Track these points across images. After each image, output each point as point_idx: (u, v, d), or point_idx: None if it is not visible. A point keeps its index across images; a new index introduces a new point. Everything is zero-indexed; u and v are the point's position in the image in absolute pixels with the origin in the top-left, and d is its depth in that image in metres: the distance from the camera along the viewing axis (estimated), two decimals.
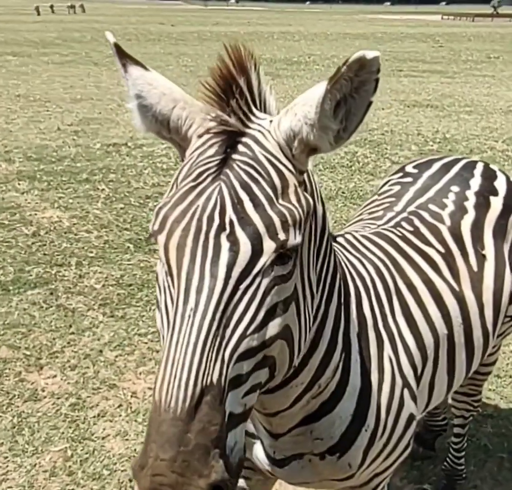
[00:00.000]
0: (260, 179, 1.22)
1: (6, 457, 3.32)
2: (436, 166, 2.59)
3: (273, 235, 1.17)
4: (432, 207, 2.37)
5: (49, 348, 4.27)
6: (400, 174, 2.66)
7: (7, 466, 3.27)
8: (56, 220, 6.60)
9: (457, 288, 2.16)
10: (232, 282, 1.16)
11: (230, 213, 1.17)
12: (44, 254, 5.77)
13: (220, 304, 1.14)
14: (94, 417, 3.64)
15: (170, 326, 1.14)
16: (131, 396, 3.82)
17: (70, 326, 4.54)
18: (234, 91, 1.26)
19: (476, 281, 2.22)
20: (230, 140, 1.26)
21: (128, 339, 4.40)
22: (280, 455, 1.83)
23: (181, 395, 1.07)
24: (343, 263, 1.76)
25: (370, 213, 2.48)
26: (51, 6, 62.13)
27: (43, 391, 3.84)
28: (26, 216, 6.70)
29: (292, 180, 1.26)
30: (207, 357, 1.10)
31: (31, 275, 5.32)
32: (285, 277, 1.22)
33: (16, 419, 3.59)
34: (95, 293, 5.05)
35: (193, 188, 1.22)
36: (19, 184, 7.77)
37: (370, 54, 1.15)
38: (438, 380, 2.10)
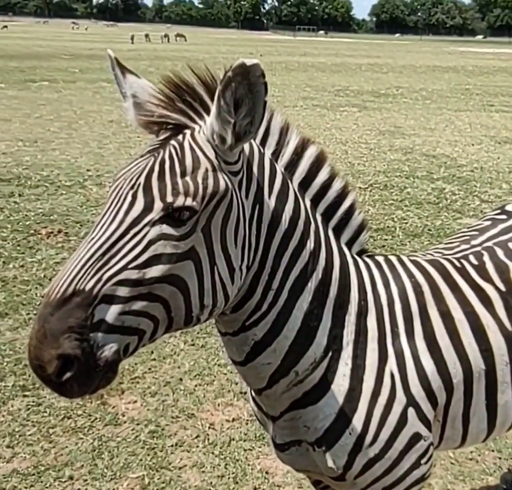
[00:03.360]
0: (175, 159, 1.59)
1: (86, 480, 3.38)
2: None
3: (162, 198, 1.53)
4: (511, 245, 2.31)
5: (130, 373, 4.35)
6: (498, 211, 2.64)
7: (86, 489, 3.32)
8: None
9: (510, 328, 2.11)
10: (124, 225, 1.52)
11: (141, 178, 1.57)
12: None
13: (110, 238, 1.51)
14: (171, 446, 3.67)
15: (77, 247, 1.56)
16: (209, 427, 3.82)
17: (152, 352, 4.61)
18: (186, 97, 1.67)
19: None
20: (177, 130, 1.66)
21: (208, 369, 4.42)
22: (281, 440, 2.03)
23: (57, 290, 1.46)
24: (353, 275, 1.94)
25: (446, 243, 2.50)
26: (146, 35, 64.60)
27: (124, 415, 3.90)
28: None
29: (205, 164, 1.60)
30: (86, 272, 1.47)
31: None
32: (175, 237, 1.53)
33: (97, 442, 3.66)
34: None
35: (137, 159, 1.66)
36: None
37: (249, 62, 1.48)
38: (474, 415, 2.09)
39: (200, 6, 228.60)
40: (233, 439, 3.75)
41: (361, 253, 2.06)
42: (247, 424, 3.88)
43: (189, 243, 1.56)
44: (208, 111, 1.65)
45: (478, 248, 2.31)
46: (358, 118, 16.43)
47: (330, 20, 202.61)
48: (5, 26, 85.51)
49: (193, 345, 4.75)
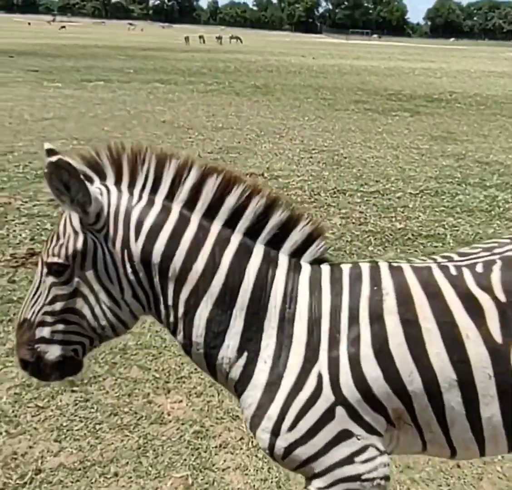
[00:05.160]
0: (56, 229, 2.18)
1: (130, 478, 3.42)
2: None
3: (44, 258, 2.15)
4: None
5: (177, 372, 4.38)
6: None
7: (130, 486, 3.36)
8: None
9: (499, 341, 2.05)
10: (39, 276, 2.18)
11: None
12: None
13: (34, 287, 2.19)
14: (216, 447, 3.68)
15: None
16: None
17: None
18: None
19: None
20: None
21: None
22: None
23: (18, 317, 2.24)
24: (279, 285, 2.15)
25: (471, 248, 2.42)
26: (201, 37, 65.19)
27: (169, 415, 3.93)
28: None
29: (69, 231, 2.13)
30: (28, 306, 2.19)
31: None
32: (60, 283, 2.14)
33: (142, 440, 3.70)
34: None
35: None
36: None
37: (54, 159, 2.00)
38: (453, 423, 2.11)
39: (254, 8, 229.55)
40: None
41: (319, 261, 2.23)
42: None
43: (72, 286, 2.15)
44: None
45: (496, 256, 2.22)
46: (410, 122, 16.23)
47: (384, 24, 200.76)
48: (63, 27, 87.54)
49: None
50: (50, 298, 2.16)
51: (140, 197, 2.16)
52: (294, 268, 2.18)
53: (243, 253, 2.16)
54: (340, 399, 2.06)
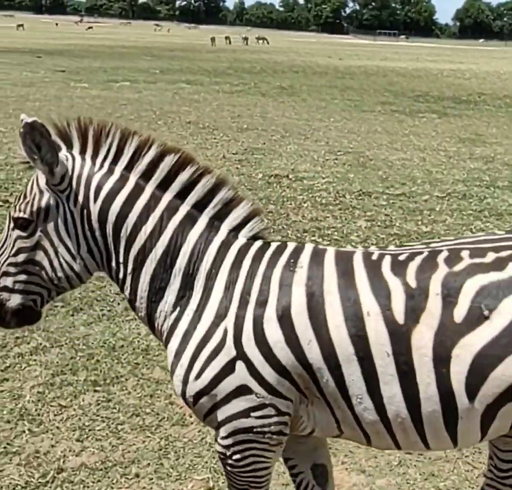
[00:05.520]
0: (25, 188, 2.48)
1: (151, 479, 3.41)
2: None
3: (12, 213, 2.43)
4: (464, 253, 2.27)
5: None
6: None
7: (151, 488, 3.36)
8: None
9: (400, 322, 2.16)
10: (6, 230, 2.45)
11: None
12: None
13: (1, 241, 2.45)
14: None
15: None
16: None
17: None
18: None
19: (453, 332, 2.14)
20: None
21: None
22: None
23: None
24: (211, 252, 2.41)
25: (420, 243, 2.55)
26: (227, 37, 65.34)
27: (191, 416, 3.91)
28: None
29: (35, 190, 2.44)
30: None
31: None
32: (24, 237, 2.42)
33: (164, 441, 3.70)
34: None
35: None
36: None
37: (30, 120, 2.26)
38: (356, 401, 2.22)
39: (281, 9, 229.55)
40: None
41: (255, 238, 2.49)
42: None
43: (34, 240, 2.43)
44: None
45: (426, 249, 2.35)
46: (437, 124, 16.07)
47: (412, 25, 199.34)
48: (90, 27, 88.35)
49: None
50: (14, 250, 2.44)
51: (102, 166, 2.47)
52: (230, 240, 2.45)
53: (188, 222, 2.45)
54: (241, 354, 2.26)
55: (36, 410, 3.94)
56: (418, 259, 2.28)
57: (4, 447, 3.60)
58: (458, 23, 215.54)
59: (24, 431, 3.74)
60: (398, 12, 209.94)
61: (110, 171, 2.47)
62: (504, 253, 2.23)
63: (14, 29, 70.98)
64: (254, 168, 10.49)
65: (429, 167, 11.02)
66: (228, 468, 2.43)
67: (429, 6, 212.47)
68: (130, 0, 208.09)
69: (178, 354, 2.36)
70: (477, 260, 2.22)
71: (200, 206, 2.47)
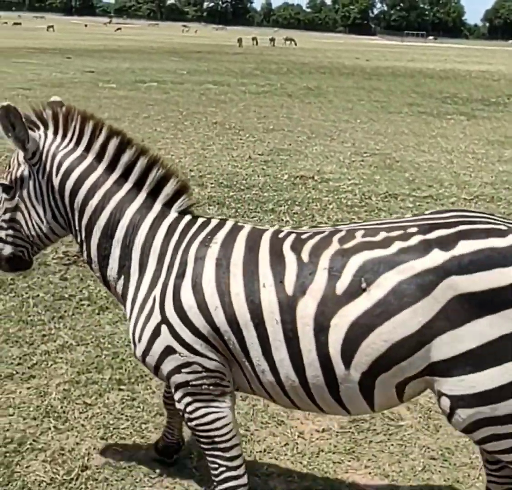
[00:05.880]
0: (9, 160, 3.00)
1: (175, 478, 3.41)
2: (435, 212, 2.58)
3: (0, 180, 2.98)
4: (358, 232, 2.47)
5: None
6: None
7: (174, 487, 3.36)
8: None
9: (290, 293, 2.41)
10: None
11: None
12: None
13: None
14: (260, 452, 3.65)
15: None
16: (298, 436, 3.78)
17: None
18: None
19: (334, 303, 2.34)
20: None
21: None
22: None
23: None
24: (146, 225, 2.79)
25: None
26: (254, 38, 65.38)
27: None
28: None
29: (15, 162, 2.93)
30: None
31: None
32: (8, 199, 2.94)
33: (187, 441, 3.69)
34: None
35: None
36: (209, 209, 8.15)
37: (4, 104, 2.64)
38: (257, 363, 2.53)
39: (308, 10, 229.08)
40: (322, 450, 3.68)
41: (185, 212, 2.85)
42: (337, 436, 3.81)
43: (14, 202, 2.96)
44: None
45: (329, 229, 2.58)
46: (465, 126, 15.90)
47: (441, 25, 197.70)
48: (119, 29, 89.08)
49: None
50: (3, 210, 2.99)
51: (67, 145, 2.89)
52: (162, 214, 2.81)
53: (127, 199, 2.84)
54: (164, 319, 2.62)
55: (61, 407, 3.98)
56: (317, 238, 2.51)
57: (30, 444, 3.64)
58: (487, 24, 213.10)
59: (49, 428, 3.78)
60: (427, 13, 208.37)
61: (72, 151, 2.89)
62: (394, 233, 2.38)
63: (45, 30, 71.98)
64: (279, 169, 10.47)
65: (457, 170, 10.91)
66: (190, 424, 2.77)
67: (458, 6, 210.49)
68: (158, 1, 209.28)
69: (129, 318, 2.78)
70: (367, 239, 2.40)
71: (139, 185, 2.85)
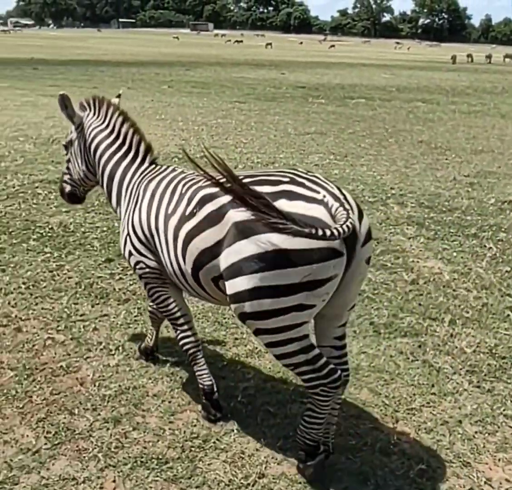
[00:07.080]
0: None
1: None
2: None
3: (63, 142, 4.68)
4: (219, 176, 2.96)
5: (408, 403, 4.21)
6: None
7: None
8: (437, 272, 6.56)
9: (168, 213, 3.60)
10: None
11: None
12: (419, 304, 5.76)
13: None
14: None
15: None
16: (485, 483, 3.51)
17: (433, 385, 4.42)
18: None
19: (182, 220, 3.47)
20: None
21: (492, 416, 4.08)
22: None
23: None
24: (130, 172, 4.20)
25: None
26: (469, 55, 63.02)
27: (395, 446, 3.79)
28: (408, 262, 6.81)
29: (71, 129, 4.43)
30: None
31: (403, 323, 5.36)
32: (66, 154, 4.55)
33: (366, 466, 3.60)
34: (464, 357, 4.84)
35: None
36: (407, 229, 7.95)
37: (61, 93, 4.27)
38: (162, 256, 3.71)
39: None
40: None
41: (153, 163, 4.20)
42: None
43: (68, 157, 4.51)
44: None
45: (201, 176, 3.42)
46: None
47: None
48: (333, 46, 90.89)
49: (478, 387, 4.43)
50: (66, 161, 4.53)
51: (96, 121, 4.30)
52: (140, 165, 4.18)
53: (124, 155, 4.24)
54: (128, 232, 3.92)
55: (245, 411, 4.08)
56: (195, 179, 3.60)
57: (214, 442, 3.77)
58: None
59: (232, 430, 3.88)
60: None
61: (99, 125, 4.28)
62: (247, 180, 3.04)
63: (263, 47, 75.64)
64: (486, 193, 9.93)
65: None
66: (152, 303, 4.38)
67: None
68: (373, 19, 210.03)
69: (121, 232, 4.06)
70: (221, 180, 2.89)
71: (129, 147, 4.23)
